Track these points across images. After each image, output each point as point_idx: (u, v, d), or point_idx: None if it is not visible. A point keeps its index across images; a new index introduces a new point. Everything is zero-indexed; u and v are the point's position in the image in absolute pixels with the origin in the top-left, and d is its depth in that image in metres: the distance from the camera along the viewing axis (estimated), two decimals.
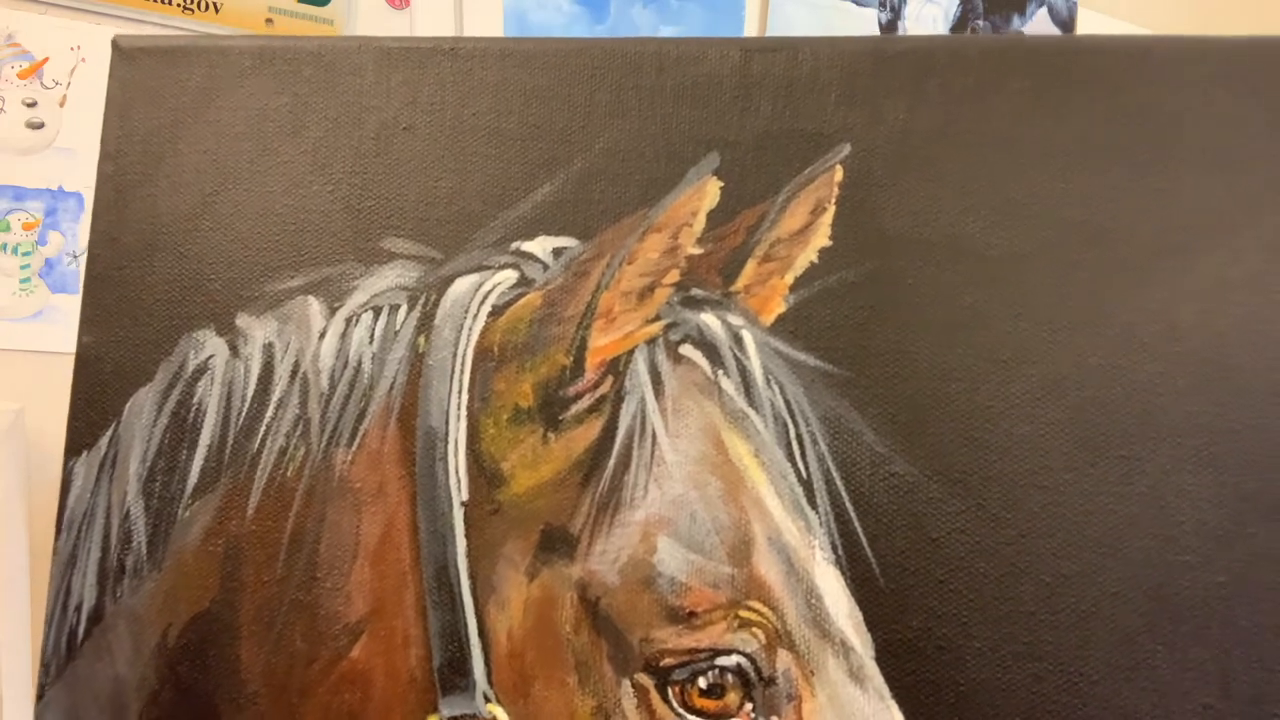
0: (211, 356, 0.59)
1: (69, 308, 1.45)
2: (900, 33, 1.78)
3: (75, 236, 1.47)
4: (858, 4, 1.74)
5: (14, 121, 1.44)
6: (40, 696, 0.59)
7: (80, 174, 1.47)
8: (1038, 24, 1.89)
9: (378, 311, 0.58)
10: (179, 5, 1.48)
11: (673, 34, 1.68)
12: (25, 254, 1.44)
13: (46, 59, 1.46)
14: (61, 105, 1.46)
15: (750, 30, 1.74)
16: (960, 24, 1.81)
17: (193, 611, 0.57)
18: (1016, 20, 1.85)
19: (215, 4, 1.49)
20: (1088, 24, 1.95)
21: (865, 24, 1.77)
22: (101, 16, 1.48)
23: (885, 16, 1.77)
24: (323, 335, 0.58)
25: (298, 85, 0.60)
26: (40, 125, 1.45)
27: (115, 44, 0.63)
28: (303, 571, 0.56)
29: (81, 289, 0.61)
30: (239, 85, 0.61)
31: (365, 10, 1.56)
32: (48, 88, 1.46)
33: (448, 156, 0.58)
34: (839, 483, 0.52)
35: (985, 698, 0.49)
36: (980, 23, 1.81)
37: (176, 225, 0.60)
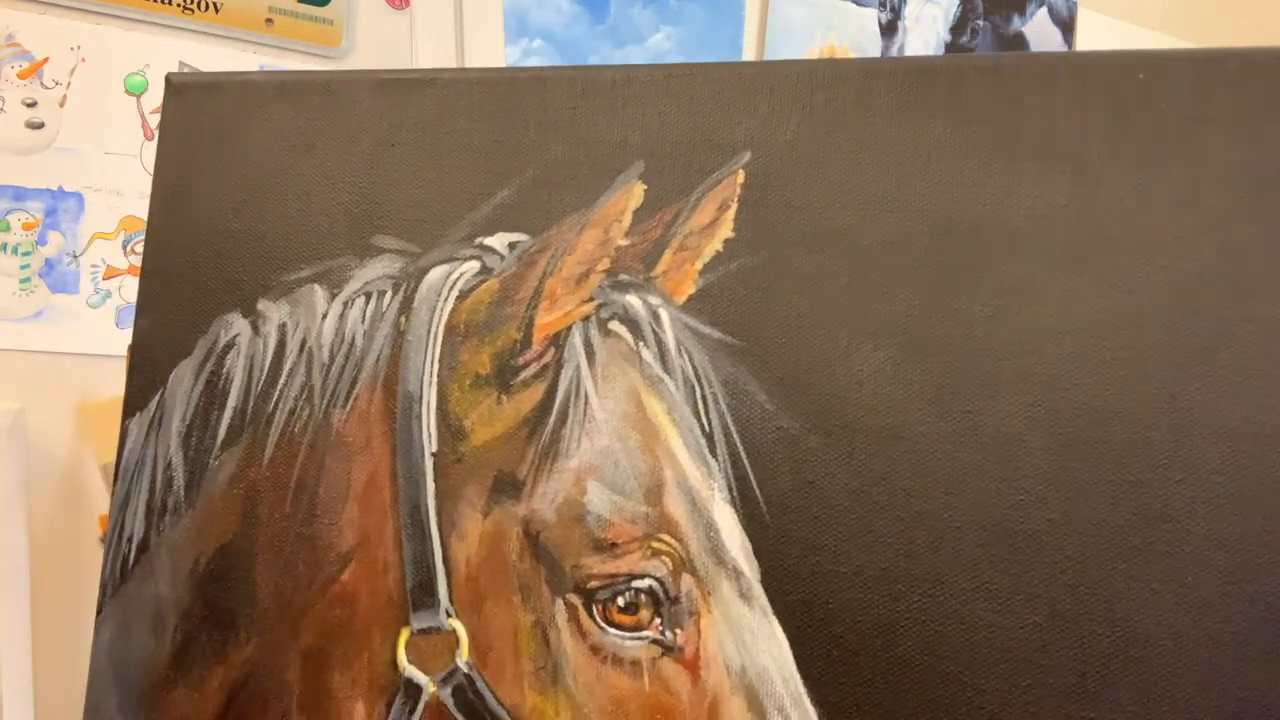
0: (238, 334, 0.72)
1: (69, 308, 1.45)
2: (900, 33, 1.82)
3: (75, 236, 1.47)
4: (857, 4, 1.77)
5: (14, 121, 1.43)
6: (100, 611, 0.72)
7: (80, 174, 1.46)
8: (1038, 24, 1.90)
9: (369, 296, 0.70)
10: (179, 5, 1.48)
11: (672, 34, 1.66)
12: (25, 254, 1.43)
13: (46, 59, 1.45)
14: (61, 105, 1.45)
15: (750, 30, 1.73)
16: (960, 24, 1.84)
17: (219, 543, 0.70)
18: (1017, 20, 1.87)
19: (215, 4, 1.48)
20: (1087, 23, 1.96)
21: (865, 24, 1.79)
22: (101, 16, 1.47)
23: (885, 16, 1.80)
24: (325, 316, 0.70)
25: (309, 112, 0.73)
26: (40, 125, 1.44)
27: (168, 80, 0.77)
28: (305, 510, 0.68)
29: (139, 281, 0.75)
30: (263, 112, 0.74)
31: (365, 10, 1.54)
32: (48, 88, 1.45)
33: (427, 168, 0.70)
34: (735, 435, 0.62)
35: (850, 614, 0.58)
36: (980, 22, 1.84)
37: (212, 228, 0.74)
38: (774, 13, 1.79)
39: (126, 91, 1.50)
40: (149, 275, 0.75)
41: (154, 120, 1.51)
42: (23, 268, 1.43)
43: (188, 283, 0.73)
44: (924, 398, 0.59)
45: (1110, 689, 0.54)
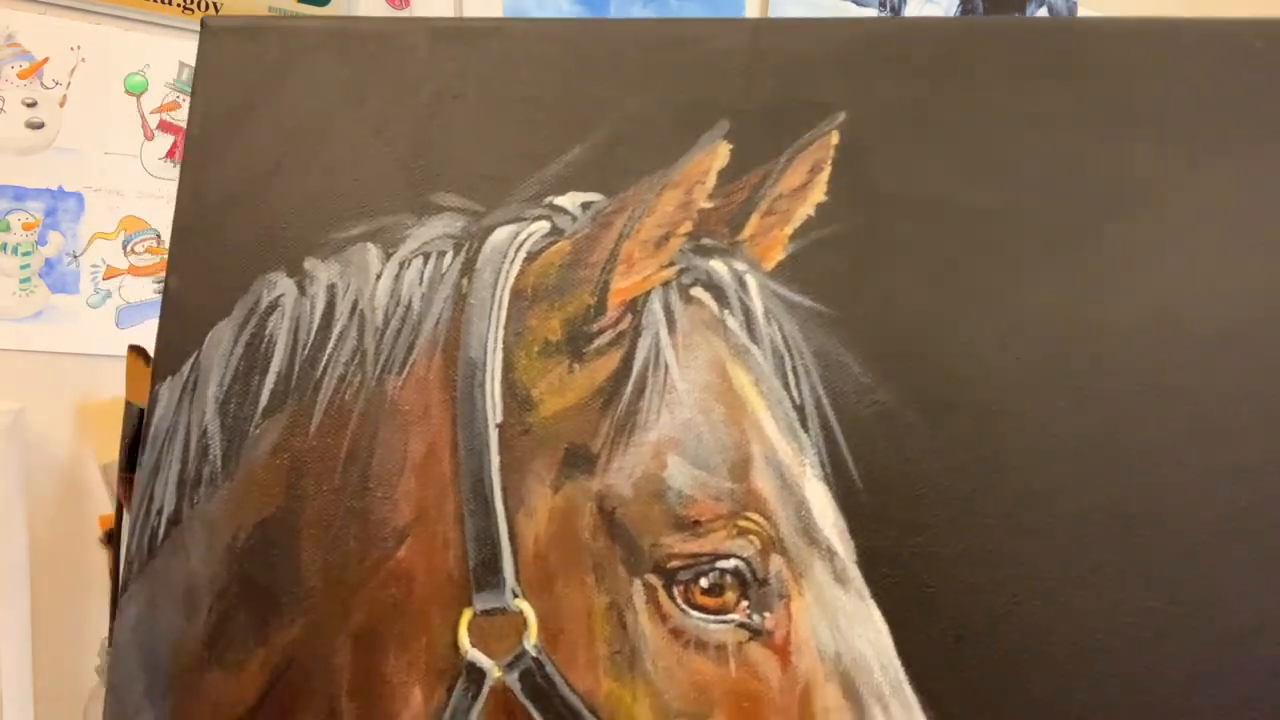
0: (282, 295, 0.67)
1: (69, 308, 1.47)
2: None
3: (75, 236, 1.48)
4: (857, 4, 1.78)
5: (14, 121, 1.45)
6: (124, 589, 0.67)
7: (80, 174, 1.47)
8: None
9: (427, 257, 0.66)
10: (179, 5, 1.49)
11: None
12: (25, 254, 1.45)
13: (46, 59, 1.46)
14: (61, 105, 1.47)
15: None
16: None
17: (260, 516, 0.65)
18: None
19: (215, 4, 1.50)
20: None
21: None
22: (101, 16, 1.48)
23: (885, 16, 1.82)
24: (379, 277, 0.66)
25: (359, 60, 0.69)
26: (40, 125, 1.46)
27: (204, 23, 0.72)
28: (357, 482, 0.64)
29: (170, 238, 0.70)
30: (308, 60, 0.69)
31: (365, 10, 1.56)
32: (48, 88, 1.46)
33: (492, 122, 0.66)
34: (829, 409, 0.59)
35: (952, 598, 0.56)
36: None
37: (253, 182, 0.69)
38: (773, 12, 1.80)
39: (126, 91, 1.50)
40: (180, 232, 0.70)
41: (154, 120, 1.51)
42: (23, 268, 1.45)
43: (225, 240, 0.69)
44: (1031, 372, 0.56)
45: (1232, 674, 0.52)
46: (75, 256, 1.49)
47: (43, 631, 1.33)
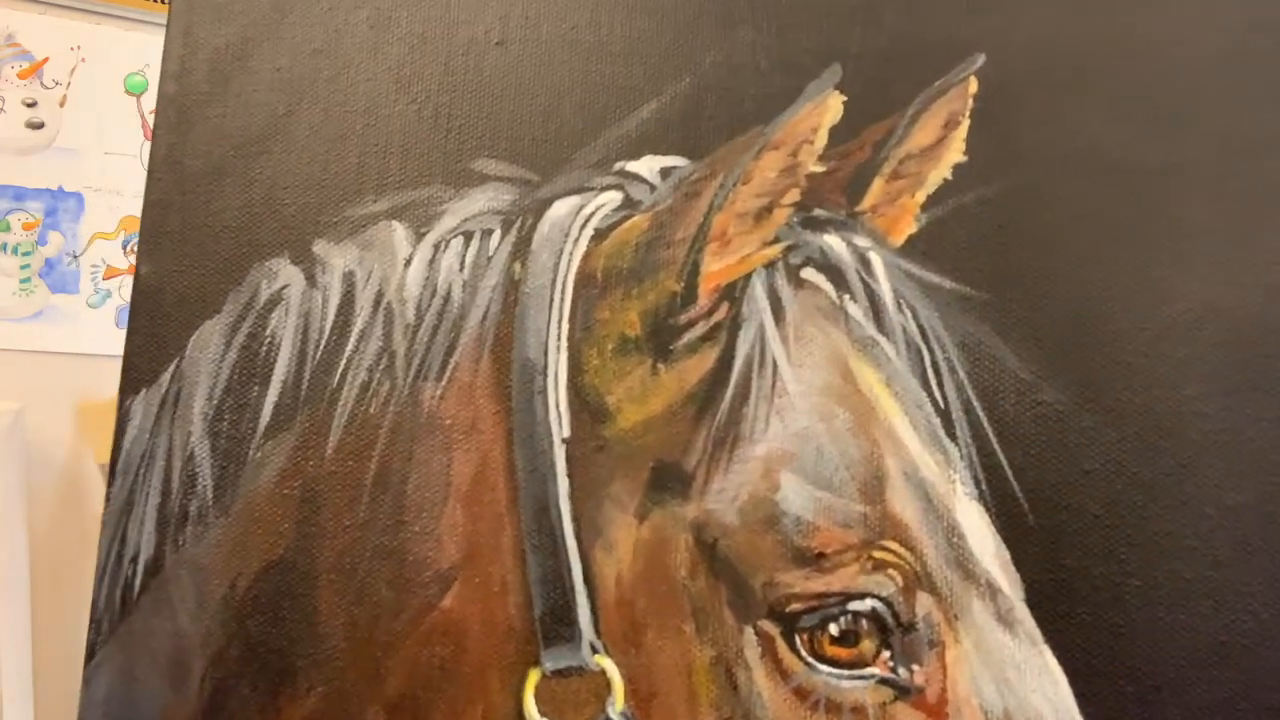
0: (286, 286, 0.55)
1: (69, 308, 1.49)
2: None
3: (75, 236, 1.51)
4: None
5: (14, 121, 1.47)
6: (91, 656, 0.54)
7: (80, 174, 1.50)
8: None
9: (468, 237, 0.54)
10: None
11: None
12: (25, 254, 1.47)
13: (46, 59, 1.48)
14: (61, 105, 1.49)
15: None
16: None
17: (265, 560, 0.52)
18: None
19: None
20: None
21: None
22: (101, 16, 1.50)
23: None
24: (408, 263, 0.54)
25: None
26: (40, 125, 1.47)
27: None
28: (388, 515, 0.52)
29: (141, 215, 0.57)
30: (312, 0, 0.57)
31: None
32: (48, 88, 1.48)
33: (544, 73, 0.55)
34: (980, 412, 0.48)
35: (1146, 640, 0.45)
36: None
37: (246, 147, 0.56)
38: None
39: (126, 91, 1.54)
40: (154, 208, 0.57)
41: (154, 120, 1.48)
42: (23, 268, 1.47)
43: (212, 218, 0.56)
44: (1231, 364, 0.46)
45: None
46: (75, 256, 1.50)
47: (43, 631, 1.34)
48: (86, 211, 1.51)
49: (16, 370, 1.44)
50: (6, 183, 1.47)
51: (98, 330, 1.49)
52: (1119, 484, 0.47)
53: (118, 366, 0.54)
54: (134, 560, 0.54)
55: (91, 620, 0.54)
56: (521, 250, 0.53)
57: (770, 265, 0.51)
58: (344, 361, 0.53)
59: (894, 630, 0.47)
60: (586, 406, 0.51)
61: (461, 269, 0.54)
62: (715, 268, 0.51)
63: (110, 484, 0.56)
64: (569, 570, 0.50)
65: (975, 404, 0.48)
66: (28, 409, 1.35)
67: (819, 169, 0.51)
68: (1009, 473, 0.48)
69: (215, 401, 0.54)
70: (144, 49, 1.52)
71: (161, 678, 0.52)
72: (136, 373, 0.55)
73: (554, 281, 0.53)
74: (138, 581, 0.54)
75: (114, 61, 1.52)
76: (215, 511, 0.53)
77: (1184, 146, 0.49)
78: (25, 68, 1.48)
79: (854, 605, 0.48)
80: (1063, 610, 0.46)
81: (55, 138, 1.49)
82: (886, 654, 0.47)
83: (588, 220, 0.53)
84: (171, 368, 0.55)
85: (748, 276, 0.51)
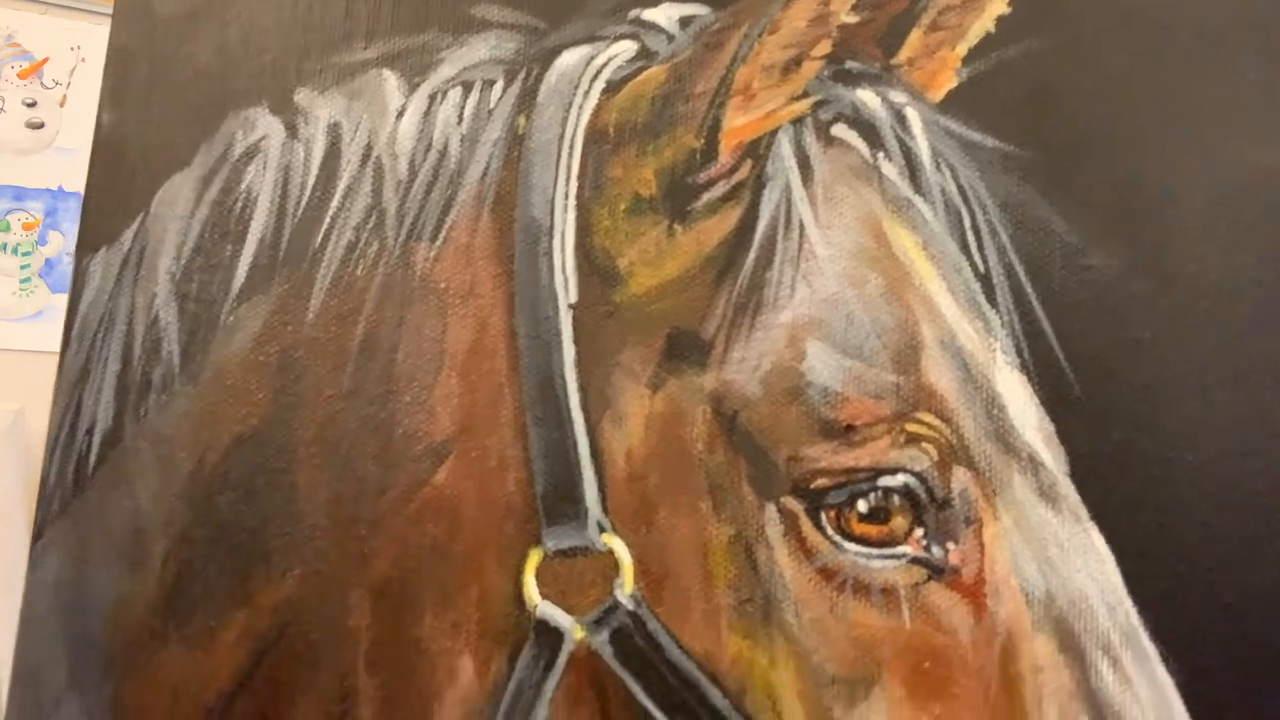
0: (264, 138, 0.50)
1: None
2: None
3: (75, 236, 1.47)
4: None
5: (14, 121, 1.47)
6: (38, 536, 0.49)
7: (80, 174, 1.45)
8: None
9: (468, 88, 0.50)
10: None
11: None
12: (25, 254, 1.46)
13: (46, 59, 1.49)
14: (61, 105, 1.49)
15: None
16: None
17: (237, 432, 0.48)
18: None
19: None
20: None
21: None
22: (101, 17, 1.54)
23: None
24: (400, 114, 0.50)
25: None
26: (40, 125, 1.47)
27: None
28: (376, 384, 0.47)
29: (104, 63, 0.52)
30: None
31: None
32: (48, 88, 1.49)
33: None
34: (1023, 277, 0.45)
35: (1198, 520, 0.42)
36: None
37: None
38: None
39: None
40: (119, 54, 0.52)
41: None
42: (23, 268, 1.46)
43: (182, 65, 0.51)
44: None
45: None
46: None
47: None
48: None
49: (16, 370, 1.43)
50: (6, 183, 1.46)
51: None
52: (1173, 354, 0.43)
53: None
54: (89, 432, 0.49)
55: (41, 498, 0.49)
56: (526, 103, 0.49)
57: (798, 121, 0.47)
58: (328, 219, 0.49)
59: (928, 507, 0.44)
60: (596, 270, 0.47)
61: (460, 122, 0.49)
62: (738, 123, 0.47)
63: (64, 350, 0.50)
64: (574, 444, 0.46)
65: (1018, 268, 0.45)
66: (28, 409, 1.34)
67: (852, 19, 0.48)
68: (1054, 341, 0.44)
69: (183, 261, 0.49)
70: None
71: (117, 559, 0.47)
72: (95, 230, 0.50)
73: (562, 136, 0.49)
74: (93, 455, 0.49)
75: None
76: (182, 379, 0.48)
77: (1243, 5, 0.45)
78: (25, 68, 1.47)
79: (885, 480, 0.44)
80: (1109, 486, 0.43)
81: (55, 138, 1.48)
82: (919, 532, 0.44)
83: (599, 71, 0.49)
84: (135, 225, 0.50)
85: (773, 133, 0.47)
